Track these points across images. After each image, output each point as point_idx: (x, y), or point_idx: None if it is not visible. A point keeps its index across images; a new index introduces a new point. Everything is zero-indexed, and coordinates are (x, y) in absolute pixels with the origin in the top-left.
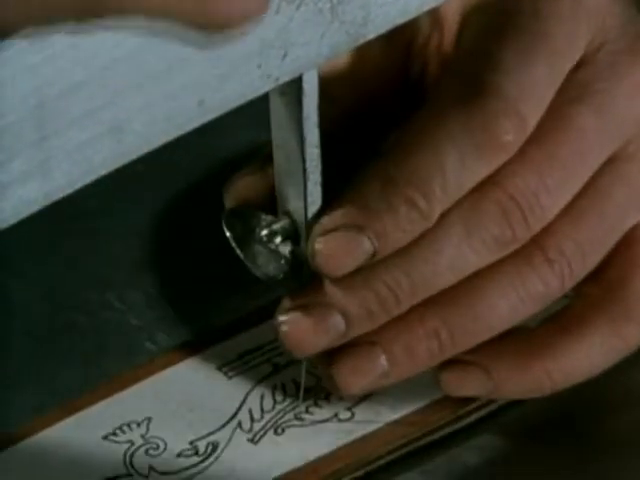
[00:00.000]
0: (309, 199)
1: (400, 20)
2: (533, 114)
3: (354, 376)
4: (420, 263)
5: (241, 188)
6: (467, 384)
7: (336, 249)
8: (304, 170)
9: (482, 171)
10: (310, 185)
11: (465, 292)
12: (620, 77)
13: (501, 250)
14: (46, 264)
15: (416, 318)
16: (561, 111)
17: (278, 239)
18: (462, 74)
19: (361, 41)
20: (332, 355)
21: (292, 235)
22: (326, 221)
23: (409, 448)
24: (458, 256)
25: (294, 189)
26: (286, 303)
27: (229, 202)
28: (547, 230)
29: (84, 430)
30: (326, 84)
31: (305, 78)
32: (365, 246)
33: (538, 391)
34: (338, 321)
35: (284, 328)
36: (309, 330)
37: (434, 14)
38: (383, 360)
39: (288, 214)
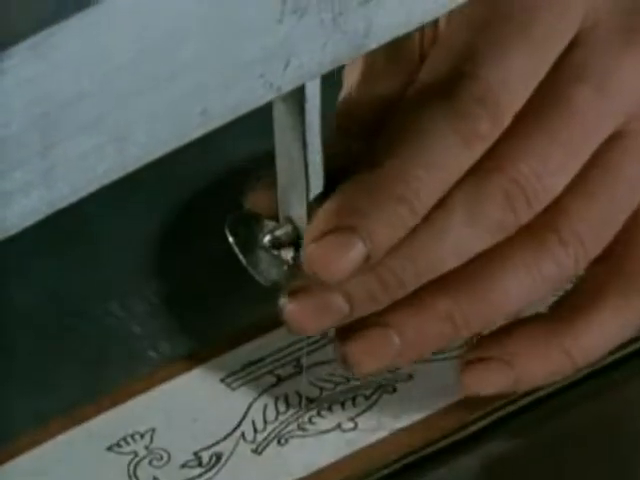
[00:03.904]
0: None
1: (402, 31)
2: (509, 103)
3: (367, 356)
4: (423, 248)
5: (260, 200)
6: (490, 381)
7: (329, 253)
8: (306, 176)
9: (465, 161)
10: (312, 191)
11: (478, 275)
12: (616, 54)
13: (504, 233)
14: (48, 270)
15: (429, 301)
16: (560, 91)
17: (280, 245)
18: (442, 67)
19: (363, 51)
20: (346, 335)
21: (294, 241)
22: (316, 226)
23: (414, 457)
24: (461, 240)
25: (296, 195)
26: (291, 286)
27: (249, 206)
28: (559, 211)
29: (88, 441)
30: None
31: (308, 85)
32: (358, 247)
33: (560, 373)
34: (341, 303)
35: (287, 308)
36: (312, 311)
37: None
38: (396, 342)
39: (290, 220)
